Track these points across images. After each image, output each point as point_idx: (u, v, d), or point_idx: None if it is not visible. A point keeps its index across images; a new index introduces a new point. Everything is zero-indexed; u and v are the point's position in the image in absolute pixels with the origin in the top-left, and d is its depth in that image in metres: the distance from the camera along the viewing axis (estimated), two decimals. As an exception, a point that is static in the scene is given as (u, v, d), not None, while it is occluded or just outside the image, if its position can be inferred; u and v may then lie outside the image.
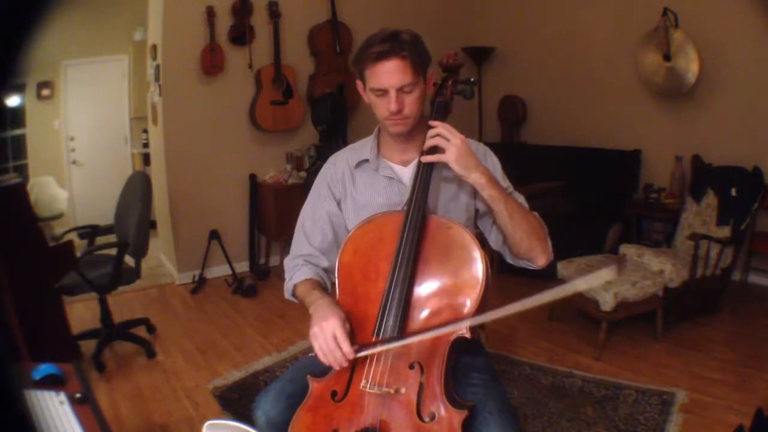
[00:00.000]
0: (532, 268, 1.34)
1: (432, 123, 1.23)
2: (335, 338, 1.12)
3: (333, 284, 1.36)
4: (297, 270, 1.39)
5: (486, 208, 1.33)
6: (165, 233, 4.38)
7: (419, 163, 1.25)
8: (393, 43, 1.22)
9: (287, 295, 1.41)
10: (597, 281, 0.95)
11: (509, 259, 1.37)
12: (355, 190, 1.41)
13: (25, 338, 2.03)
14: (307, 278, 1.36)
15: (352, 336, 1.16)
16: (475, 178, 1.21)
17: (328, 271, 1.41)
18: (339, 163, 1.45)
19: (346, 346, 1.11)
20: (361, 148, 1.44)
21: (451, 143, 1.19)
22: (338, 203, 1.43)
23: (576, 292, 1.00)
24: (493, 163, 1.41)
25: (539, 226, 1.30)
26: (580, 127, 4.57)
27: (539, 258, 1.29)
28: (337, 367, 1.14)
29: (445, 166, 1.23)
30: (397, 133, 1.31)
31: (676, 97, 3.93)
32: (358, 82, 1.33)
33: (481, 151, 1.40)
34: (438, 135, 1.21)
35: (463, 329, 1.13)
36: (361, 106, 4.45)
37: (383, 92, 1.25)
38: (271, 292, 3.85)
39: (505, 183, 1.39)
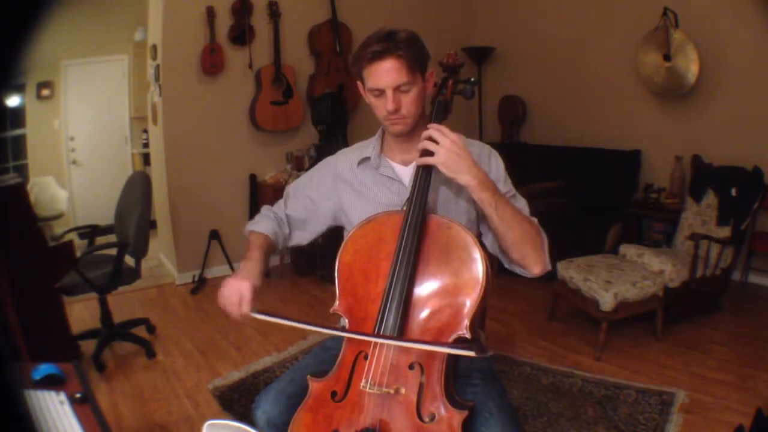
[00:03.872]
0: (525, 275, 1.32)
1: (429, 126, 1.23)
2: (240, 298, 1.23)
3: (283, 251, 1.54)
4: (264, 220, 1.47)
5: None
6: (165, 233, 4.38)
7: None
8: (388, 43, 1.22)
9: (245, 232, 1.48)
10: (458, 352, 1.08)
11: (506, 264, 1.36)
12: (358, 183, 1.43)
13: (25, 338, 2.03)
14: (264, 233, 1.42)
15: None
16: (465, 181, 1.19)
17: (286, 237, 1.50)
18: (344, 159, 1.47)
19: (246, 308, 1.23)
20: (365, 147, 1.46)
21: (440, 146, 1.18)
22: (335, 202, 1.46)
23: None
24: (497, 165, 1.39)
25: (535, 233, 1.27)
26: (580, 127, 4.57)
27: (532, 266, 1.26)
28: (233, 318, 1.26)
29: None
30: (397, 133, 1.32)
31: (676, 97, 3.93)
32: (359, 83, 1.33)
33: (486, 153, 1.39)
34: (428, 138, 1.20)
35: (463, 329, 1.13)
36: (361, 106, 4.45)
37: (380, 92, 1.25)
38: (271, 292, 3.85)
39: (506, 187, 1.37)
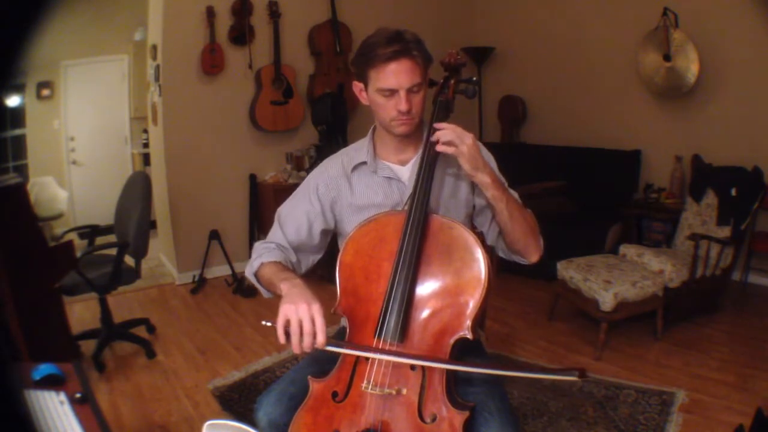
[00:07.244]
0: (523, 263, 1.39)
1: (438, 125, 1.22)
2: (313, 324, 1.07)
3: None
4: (267, 251, 1.36)
5: (484, 204, 1.37)
6: (165, 233, 4.37)
7: (421, 162, 1.25)
8: (402, 44, 1.22)
9: (249, 272, 1.36)
10: (558, 378, 1.16)
11: (501, 253, 1.42)
12: (352, 193, 1.40)
13: (25, 338, 2.03)
14: (276, 260, 1.33)
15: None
16: (482, 178, 1.23)
17: (295, 266, 1.40)
18: (333, 166, 1.44)
19: (322, 337, 1.07)
20: (356, 151, 1.44)
21: (464, 142, 1.20)
22: (329, 206, 1.42)
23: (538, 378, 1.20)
24: (490, 158, 1.41)
25: (534, 224, 1.35)
26: (580, 127, 4.57)
27: (533, 255, 1.35)
28: (297, 351, 1.08)
29: (445, 163, 1.23)
30: (403, 134, 1.31)
31: (676, 97, 3.93)
32: (356, 83, 1.32)
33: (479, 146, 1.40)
34: (451, 131, 1.20)
35: (465, 330, 1.13)
36: (361, 106, 4.42)
37: (391, 92, 1.24)
38: (271, 292, 3.84)
39: (501, 179, 1.39)
